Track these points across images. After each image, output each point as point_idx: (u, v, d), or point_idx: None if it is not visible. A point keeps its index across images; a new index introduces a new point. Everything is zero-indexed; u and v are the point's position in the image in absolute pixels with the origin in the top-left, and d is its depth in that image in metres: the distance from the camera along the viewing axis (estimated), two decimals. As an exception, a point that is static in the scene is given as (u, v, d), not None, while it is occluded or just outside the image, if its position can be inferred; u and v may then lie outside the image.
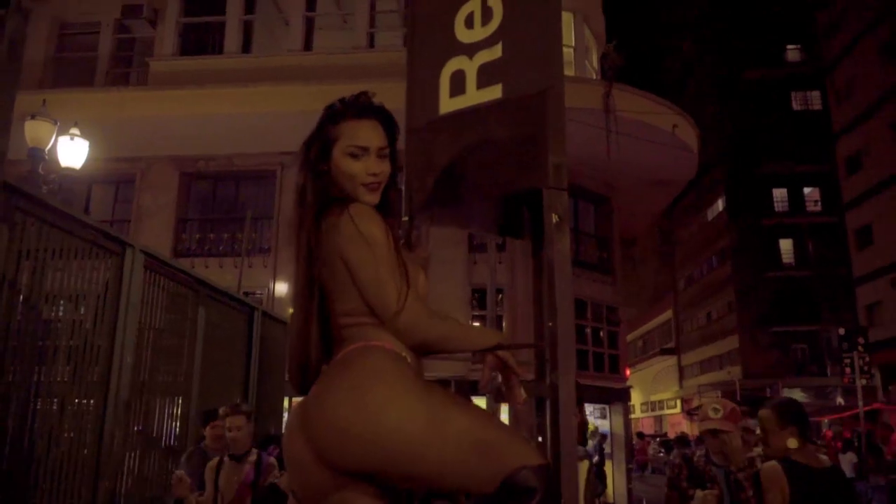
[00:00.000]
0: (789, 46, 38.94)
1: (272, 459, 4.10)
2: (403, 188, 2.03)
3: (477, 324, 13.78)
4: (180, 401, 4.93)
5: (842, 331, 15.96)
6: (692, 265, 44.25)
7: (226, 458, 4.06)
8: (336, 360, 1.57)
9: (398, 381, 1.47)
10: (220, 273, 14.56)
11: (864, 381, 14.19)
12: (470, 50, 1.92)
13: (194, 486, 3.92)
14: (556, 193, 1.70)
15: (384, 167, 1.68)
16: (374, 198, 1.66)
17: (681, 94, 39.54)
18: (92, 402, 3.82)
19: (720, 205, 39.50)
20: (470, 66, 1.92)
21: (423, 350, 1.59)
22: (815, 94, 37.58)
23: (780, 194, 37.14)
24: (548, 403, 1.75)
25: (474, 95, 1.90)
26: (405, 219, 1.98)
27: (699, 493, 3.16)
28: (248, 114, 14.53)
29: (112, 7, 16.87)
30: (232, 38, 16.31)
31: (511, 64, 1.83)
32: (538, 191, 1.74)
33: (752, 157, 36.44)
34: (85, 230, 3.81)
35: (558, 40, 1.79)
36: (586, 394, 16.80)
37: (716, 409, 3.31)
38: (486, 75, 1.89)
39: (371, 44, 16.16)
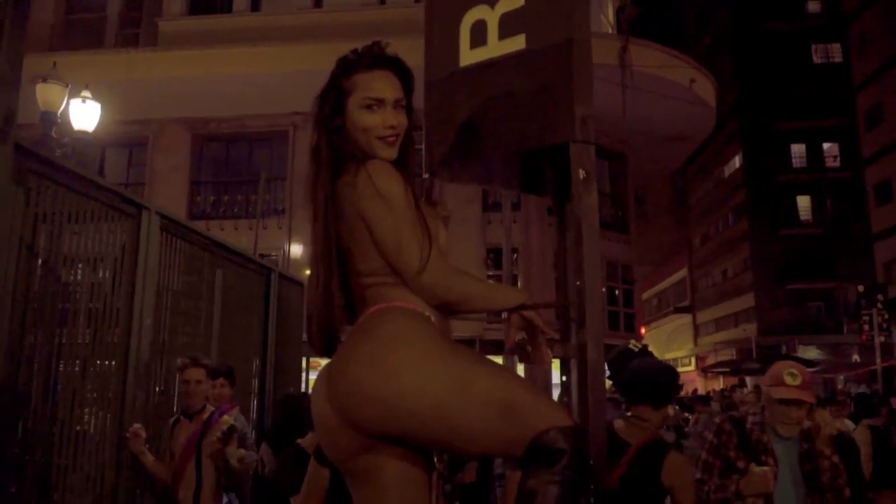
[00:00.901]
0: (810, -2, 37.91)
1: (226, 417, 3.89)
2: (423, 143, 1.98)
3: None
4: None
5: (861, 288, 15.79)
6: (707, 222, 43.90)
7: (181, 416, 3.94)
8: (358, 324, 1.53)
9: (420, 342, 1.44)
10: (235, 235, 14.60)
11: (882, 339, 14.09)
12: (492, -1, 1.85)
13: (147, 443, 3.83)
14: (583, 147, 1.63)
15: (401, 119, 1.62)
16: (392, 152, 1.61)
17: (698, 47, 38.71)
18: (113, 363, 3.84)
19: (737, 161, 38.96)
20: (491, 16, 1.84)
21: (447, 309, 1.56)
22: (836, 46, 36.66)
23: (798, 150, 36.53)
24: (574, 364, 1.71)
25: (496, 46, 1.83)
26: (425, 175, 1.92)
27: (756, 468, 2.54)
28: (259, 74, 14.39)
29: (119, -34, 16.68)
30: (241, -4, 16.09)
31: (534, 13, 1.76)
32: (563, 145, 1.68)
33: (770, 112, 35.78)
34: (101, 193, 3.78)
35: (584, -16, 1.70)
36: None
37: (793, 375, 2.67)
38: (509, 25, 1.81)
39: (382, 0, 15.88)
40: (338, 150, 1.60)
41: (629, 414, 2.65)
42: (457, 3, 1.91)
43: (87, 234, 3.74)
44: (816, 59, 37.28)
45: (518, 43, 1.78)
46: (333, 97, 1.63)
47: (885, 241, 28.51)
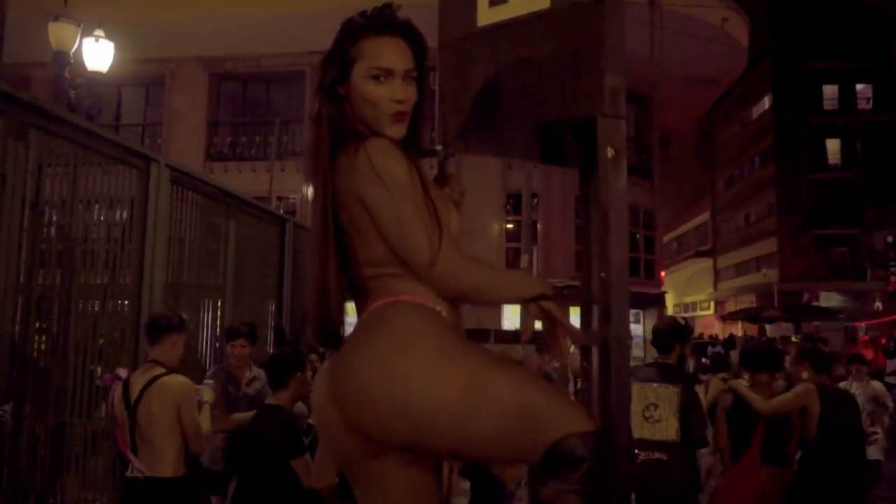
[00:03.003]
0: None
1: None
2: (436, 111, 1.81)
3: (518, 270, 13.55)
4: (213, 317, 4.91)
5: (891, 237, 15.40)
6: (733, 166, 43.03)
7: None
8: (363, 319, 1.41)
9: (430, 343, 1.32)
10: (253, 178, 14.50)
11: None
12: (513, -50, 1.65)
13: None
14: (613, 122, 1.47)
15: (411, 93, 1.47)
16: (400, 129, 1.45)
17: (730, -17, 37.16)
18: (126, 326, 3.80)
19: (766, 102, 37.87)
20: (513, -30, 1.65)
21: (460, 300, 1.43)
22: (874, -16, 35.07)
23: (830, 91, 35.42)
24: (595, 355, 1.59)
25: (518, 4, 1.64)
26: (438, 147, 1.77)
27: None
28: (276, 13, 14.03)
29: None
30: (258, -70, 15.56)
31: (561, -33, 1.56)
32: (590, 118, 1.52)
33: (802, 52, 34.56)
34: (106, 145, 3.67)
35: (619, -63, 1.51)
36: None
37: None
38: (533, -20, 1.62)
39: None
40: (339, 124, 1.46)
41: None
42: (475, -46, 1.72)
43: (94, 186, 3.65)
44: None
45: (542, 1, 1.59)
46: (337, 63, 1.47)
47: (917, 188, 27.74)
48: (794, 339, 11.84)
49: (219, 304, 5.07)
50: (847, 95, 35.22)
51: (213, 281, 5.04)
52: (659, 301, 16.59)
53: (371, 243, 1.39)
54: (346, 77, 1.47)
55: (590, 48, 1.50)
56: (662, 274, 17.85)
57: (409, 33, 1.48)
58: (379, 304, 1.38)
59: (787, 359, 5.36)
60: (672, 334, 3.88)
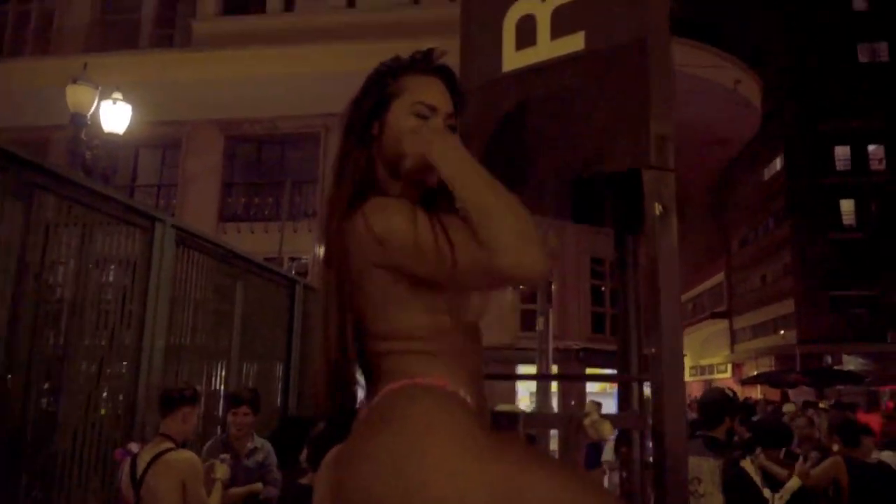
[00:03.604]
0: (856, -6, 36.77)
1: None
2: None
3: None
4: (218, 381, 4.69)
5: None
6: (746, 226, 42.82)
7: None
8: (373, 406, 1.19)
9: (452, 440, 1.09)
10: (265, 238, 14.43)
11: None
12: (542, -11, 1.50)
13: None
14: (661, 175, 1.29)
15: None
16: (432, 175, 1.27)
17: (742, 44, 37.72)
18: (121, 397, 3.59)
19: (778, 163, 37.90)
20: (542, 10, 1.49)
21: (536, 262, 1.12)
22: (883, 45, 35.49)
23: (842, 152, 35.43)
24: (637, 442, 1.36)
25: (548, 47, 1.48)
26: (458, 205, 1.59)
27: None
28: (292, 74, 14.22)
29: (155, -33, 16.63)
30: (274, -4, 15.95)
31: (597, 5, 1.41)
32: (632, 172, 1.34)
33: (813, 113, 34.75)
34: (111, 205, 3.54)
35: (661, -28, 1.36)
36: (638, 362, 16.33)
37: None
38: (564, 21, 1.46)
39: (416, 0, 15.60)
40: (364, 173, 1.29)
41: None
42: (499, -5, 1.57)
43: (94, 248, 3.50)
44: (862, 58, 36.12)
45: (576, 43, 1.43)
46: (375, 97, 1.33)
47: (935, 249, 27.38)
48: (821, 405, 11.39)
49: (222, 369, 4.85)
50: (859, 156, 35.20)
51: (218, 344, 4.84)
52: (678, 364, 16.13)
53: (381, 313, 1.21)
54: (382, 113, 1.32)
55: (633, 93, 1.33)
56: (680, 336, 17.40)
57: (451, 80, 1.35)
58: (391, 387, 1.17)
59: (818, 429, 5.14)
60: (720, 407, 3.65)
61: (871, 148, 35.20)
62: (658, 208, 1.27)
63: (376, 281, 1.19)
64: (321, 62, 13.78)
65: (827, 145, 35.03)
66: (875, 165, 35.11)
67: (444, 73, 1.35)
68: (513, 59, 1.54)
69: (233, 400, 4.05)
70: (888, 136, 33.79)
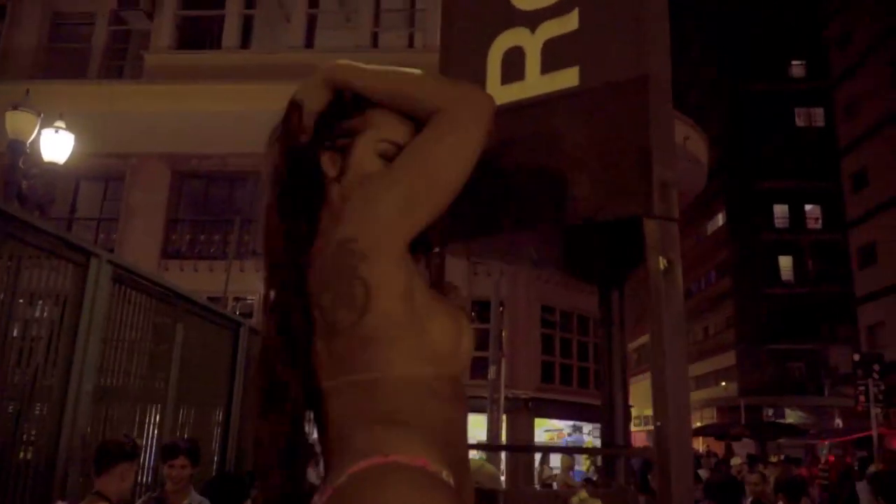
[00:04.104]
0: (794, 62, 38.65)
1: None
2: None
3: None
4: (152, 431, 4.37)
5: (857, 356, 15.38)
6: (690, 278, 43.76)
7: None
8: (337, 492, 0.97)
9: None
10: (210, 277, 13.98)
11: (878, 410, 13.66)
12: (532, 19, 1.38)
13: None
14: (665, 226, 1.16)
15: None
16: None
17: (684, 104, 39.10)
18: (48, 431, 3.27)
19: (720, 218, 39.05)
20: (531, 42, 1.37)
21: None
22: (819, 111, 37.27)
23: (780, 210, 36.77)
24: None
25: (538, 83, 1.35)
26: (435, 250, 1.43)
27: None
28: (246, 111, 13.96)
29: (109, -3, 16.31)
30: (231, 33, 15.78)
31: (594, 39, 1.29)
32: (630, 221, 1.21)
33: (753, 171, 36.06)
34: (42, 237, 3.26)
35: (663, 5, 1.25)
36: (587, 413, 16.32)
37: None
38: (556, 55, 1.34)
39: (375, 44, 15.65)
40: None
41: None
42: (484, 25, 1.44)
43: (20, 284, 3.21)
44: (799, 123, 37.79)
45: (569, 78, 1.31)
46: (333, 130, 1.16)
47: (869, 305, 28.39)
48: (772, 459, 11.45)
49: (157, 414, 4.53)
50: (797, 214, 36.55)
51: (153, 388, 4.52)
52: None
53: (353, 359, 1.02)
54: (344, 152, 1.15)
55: (633, 134, 1.20)
56: (630, 386, 17.44)
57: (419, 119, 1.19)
58: (357, 469, 0.97)
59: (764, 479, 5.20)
60: (731, 495, 3.71)
61: (807, 207, 36.60)
62: (662, 262, 1.13)
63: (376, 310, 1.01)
64: (276, 100, 13.35)
65: (766, 203, 36.29)
66: (812, 224, 36.47)
67: None
68: (497, 93, 1.40)
69: (169, 450, 3.73)
70: (824, 196, 35.20)
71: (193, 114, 14.23)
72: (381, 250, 1.02)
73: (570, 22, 1.33)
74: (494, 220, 1.36)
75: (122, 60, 17.10)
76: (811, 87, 36.98)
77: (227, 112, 14.06)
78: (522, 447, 12.83)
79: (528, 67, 1.37)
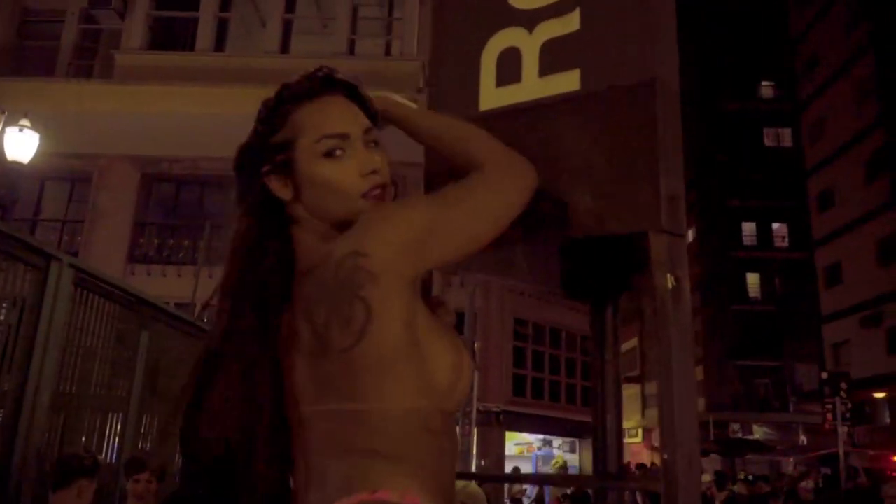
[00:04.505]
0: (763, 83, 39.38)
1: None
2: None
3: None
4: (113, 444, 4.19)
5: (824, 374, 15.58)
6: (660, 294, 44.19)
7: None
8: None
9: None
10: (177, 282, 13.71)
11: (845, 429, 13.84)
12: (529, 19, 1.30)
13: None
14: (673, 241, 1.08)
15: (381, 159, 1.07)
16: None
17: (657, 122, 39.57)
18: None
19: (690, 234, 39.50)
20: (529, 43, 1.29)
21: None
22: (787, 131, 38.01)
23: (748, 228, 37.34)
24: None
25: (535, 85, 1.27)
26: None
27: None
28: (218, 115, 13.75)
29: (80, -5, 16.00)
30: (205, 35, 15.56)
31: (595, 40, 1.21)
32: (633, 236, 1.13)
33: (722, 189, 36.58)
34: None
35: (670, 3, 1.18)
36: (557, 427, 16.28)
37: None
38: (555, 56, 1.26)
39: (352, 51, 15.55)
40: (282, 252, 1.02)
41: None
42: (478, 25, 1.36)
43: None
44: (768, 142, 38.47)
45: (569, 82, 1.23)
46: (269, 158, 1.06)
47: (834, 323, 28.88)
48: (741, 477, 11.53)
49: (118, 424, 4.36)
50: (764, 232, 37.14)
51: (114, 398, 4.35)
52: (595, 429, 16.14)
53: (348, 388, 0.92)
54: (288, 169, 1.04)
55: (639, 142, 1.12)
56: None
57: (350, 88, 1.10)
58: (344, 503, 0.87)
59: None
60: None
61: (775, 226, 37.23)
62: (670, 280, 1.05)
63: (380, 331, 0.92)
64: (250, 105, 13.17)
65: (735, 221, 36.82)
66: (779, 242, 37.09)
67: (337, 86, 1.10)
68: (491, 96, 1.32)
69: (133, 465, 3.57)
70: (791, 215, 35.83)
71: (164, 116, 13.99)
72: (390, 273, 0.93)
73: (570, 22, 1.25)
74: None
75: (92, 60, 16.78)
76: (780, 107, 37.70)
77: (200, 115, 13.84)
78: (507, 477, 12.71)
79: (524, 69, 1.29)
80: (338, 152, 1.02)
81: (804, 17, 33.95)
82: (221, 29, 16.04)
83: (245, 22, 16.60)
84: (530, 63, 1.28)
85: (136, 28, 15.58)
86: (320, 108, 1.05)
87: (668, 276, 1.06)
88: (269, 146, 1.06)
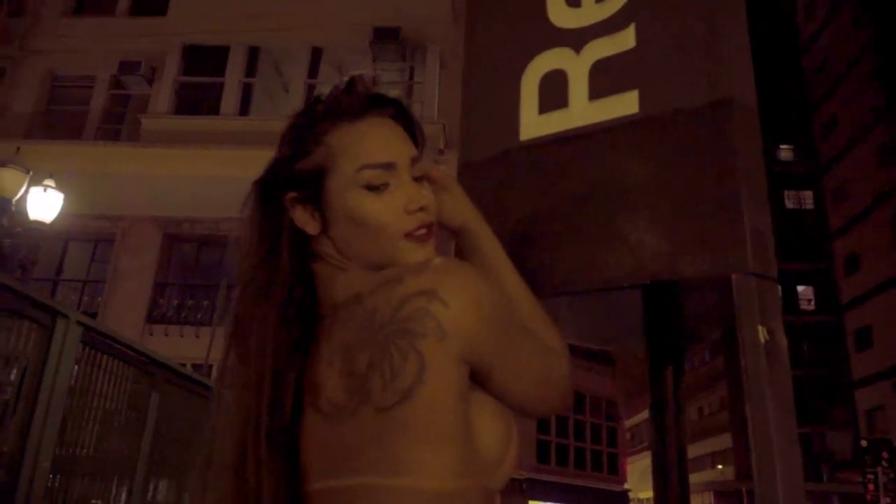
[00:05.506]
0: (782, 146, 39.45)
1: None
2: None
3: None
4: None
5: (864, 442, 14.90)
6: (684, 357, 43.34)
7: None
8: None
9: None
10: (195, 343, 13.57)
11: (888, 500, 13.09)
12: (576, 38, 1.15)
13: None
14: (763, 286, 0.89)
15: (430, 192, 0.90)
16: (427, 252, 0.87)
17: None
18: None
19: (713, 298, 39.02)
20: (577, 64, 1.13)
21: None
22: (808, 193, 37.84)
23: (773, 291, 36.82)
24: None
25: (585, 111, 1.11)
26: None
27: None
28: (240, 177, 13.74)
29: (109, 62, 16.43)
30: (230, 100, 15.87)
31: (655, 57, 1.06)
32: (708, 282, 0.94)
33: (746, 252, 36.30)
34: (4, 295, 2.97)
35: (740, 16, 1.02)
36: (584, 497, 15.62)
37: None
38: (609, 77, 1.10)
39: (372, 112, 15.75)
40: (304, 300, 0.86)
41: None
42: (518, 47, 1.21)
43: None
44: (789, 205, 38.25)
45: (626, 105, 1.06)
46: (293, 179, 0.90)
47: (867, 389, 27.97)
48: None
49: (124, 492, 4.14)
50: (789, 296, 36.51)
51: (121, 461, 4.14)
52: (622, 499, 15.45)
53: (379, 460, 0.74)
54: (317, 198, 0.88)
55: (714, 172, 0.95)
56: (627, 467, 16.87)
57: (397, 109, 0.93)
58: None
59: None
60: None
61: (800, 289, 36.62)
62: (763, 333, 0.86)
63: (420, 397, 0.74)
64: (272, 166, 13.58)
65: (759, 283, 36.35)
66: (805, 305, 36.40)
67: (383, 104, 0.92)
68: (534, 124, 1.15)
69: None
70: (816, 278, 35.26)
71: (188, 177, 14.17)
72: (460, 340, 0.77)
73: (625, 39, 1.09)
74: (532, 281, 1.09)
75: (119, 124, 17.13)
76: (800, 170, 37.62)
77: (222, 176, 13.94)
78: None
79: (572, 93, 1.13)
80: (381, 185, 0.86)
81: (822, 80, 34.19)
82: (246, 94, 16.36)
83: (268, 87, 16.94)
84: (579, 86, 1.12)
85: (163, 93, 15.93)
86: (363, 131, 0.89)
87: (761, 328, 0.86)
88: (296, 172, 0.89)
